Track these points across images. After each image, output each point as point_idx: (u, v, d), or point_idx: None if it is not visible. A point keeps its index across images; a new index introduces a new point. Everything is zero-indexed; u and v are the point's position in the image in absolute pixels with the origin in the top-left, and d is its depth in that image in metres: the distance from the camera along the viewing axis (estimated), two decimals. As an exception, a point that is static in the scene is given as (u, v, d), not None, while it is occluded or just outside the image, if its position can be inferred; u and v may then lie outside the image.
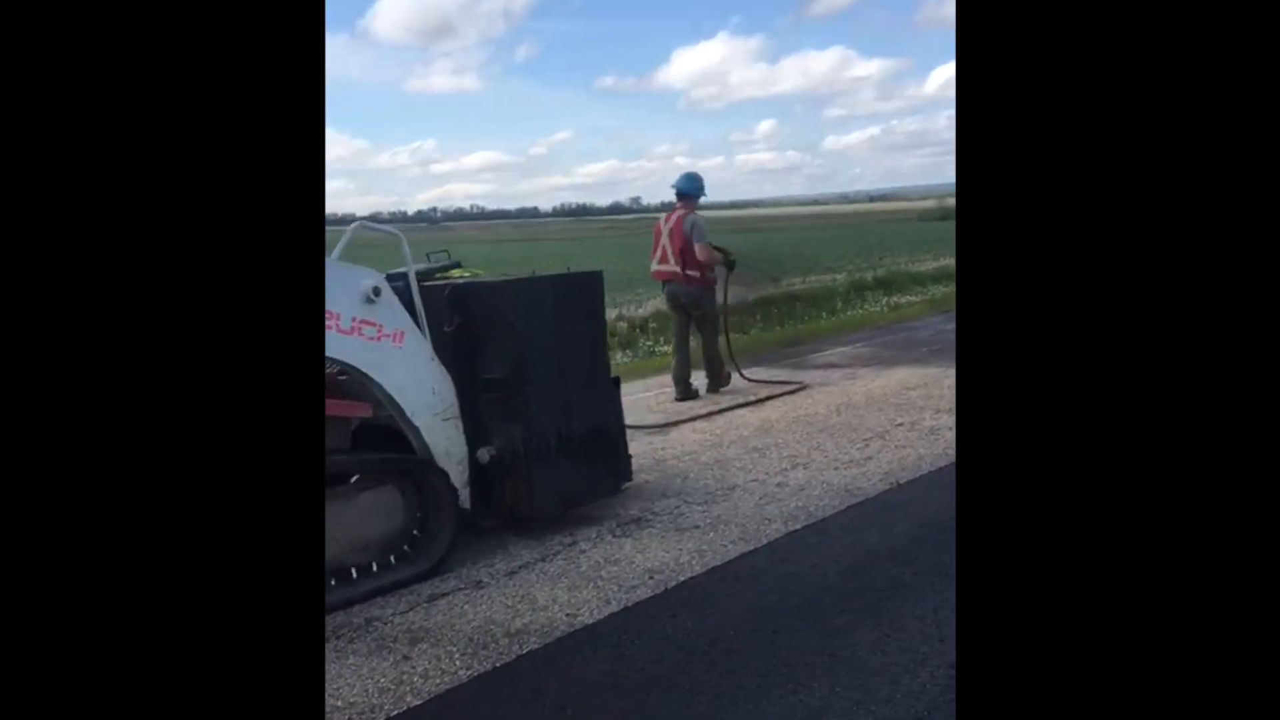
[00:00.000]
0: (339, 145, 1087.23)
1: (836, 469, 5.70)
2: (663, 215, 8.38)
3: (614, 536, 4.66)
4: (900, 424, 6.70)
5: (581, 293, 4.91)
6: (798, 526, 4.67)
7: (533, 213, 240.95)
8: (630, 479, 5.23)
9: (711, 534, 4.63)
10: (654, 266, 8.30)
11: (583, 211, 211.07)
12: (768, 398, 7.97)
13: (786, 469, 5.76)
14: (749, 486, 5.43)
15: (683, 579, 4.05)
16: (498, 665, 3.33)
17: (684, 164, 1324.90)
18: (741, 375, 8.59)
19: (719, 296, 8.40)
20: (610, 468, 5.06)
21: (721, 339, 8.36)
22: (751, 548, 4.40)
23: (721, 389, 8.36)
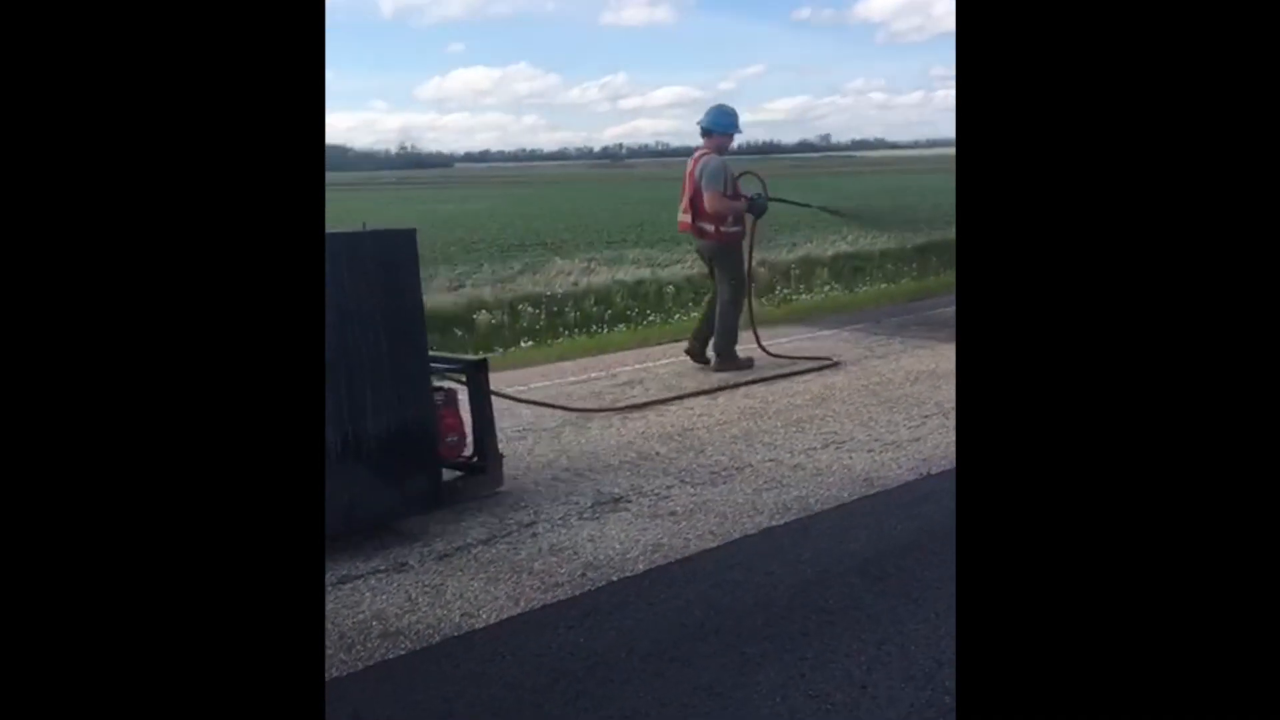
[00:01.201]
0: (532, 80, 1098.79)
1: (870, 451, 5.05)
2: (692, 155, 7.08)
3: (579, 519, 4.20)
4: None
5: (383, 256, 3.97)
6: (780, 522, 4.09)
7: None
8: (500, 484, 4.57)
9: (684, 523, 4.11)
10: (680, 216, 7.18)
11: (769, 149, 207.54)
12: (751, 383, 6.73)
13: (815, 448, 5.14)
14: (760, 467, 4.85)
15: (616, 579, 3.57)
16: (340, 675, 2.94)
17: (879, 100, 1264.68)
18: (763, 349, 7.45)
19: (745, 253, 7.22)
20: (425, 476, 4.18)
21: (742, 309, 7.17)
22: (716, 544, 3.87)
23: (724, 369, 7.00)
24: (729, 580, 3.51)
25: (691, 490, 4.55)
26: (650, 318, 14.84)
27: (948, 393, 6.19)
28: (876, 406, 6.04)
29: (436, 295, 17.21)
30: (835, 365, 7.18)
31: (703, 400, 6.35)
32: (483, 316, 14.88)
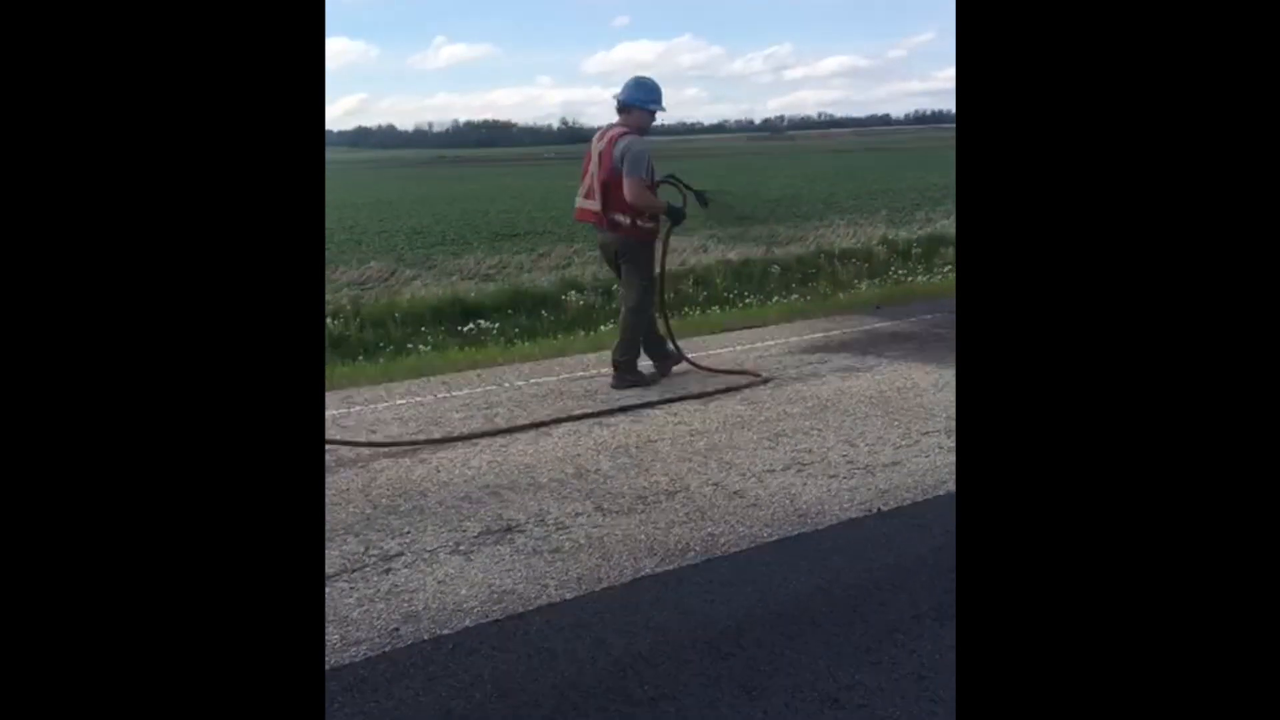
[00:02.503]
0: (696, 52, 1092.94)
1: (834, 478, 4.35)
2: (597, 132, 5.99)
3: (450, 553, 3.69)
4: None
5: None
6: (664, 568, 3.48)
7: (883, 120, 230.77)
8: None
9: (560, 563, 3.55)
10: (577, 202, 6.07)
11: (938, 119, 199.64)
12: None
13: (775, 470, 4.48)
14: (696, 493, 4.23)
15: (426, 638, 3.05)
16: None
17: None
18: (686, 359, 6.40)
19: (658, 253, 6.11)
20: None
21: (650, 317, 6.19)
22: (573, 595, 3.30)
23: (622, 384, 6.03)
24: (548, 648, 2.94)
25: (600, 520, 3.97)
26: (748, 300, 14.22)
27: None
28: (879, 418, 5.29)
29: (535, 275, 17.00)
30: (765, 382, 6.16)
31: (691, 405, 5.73)
32: (572, 297, 14.52)
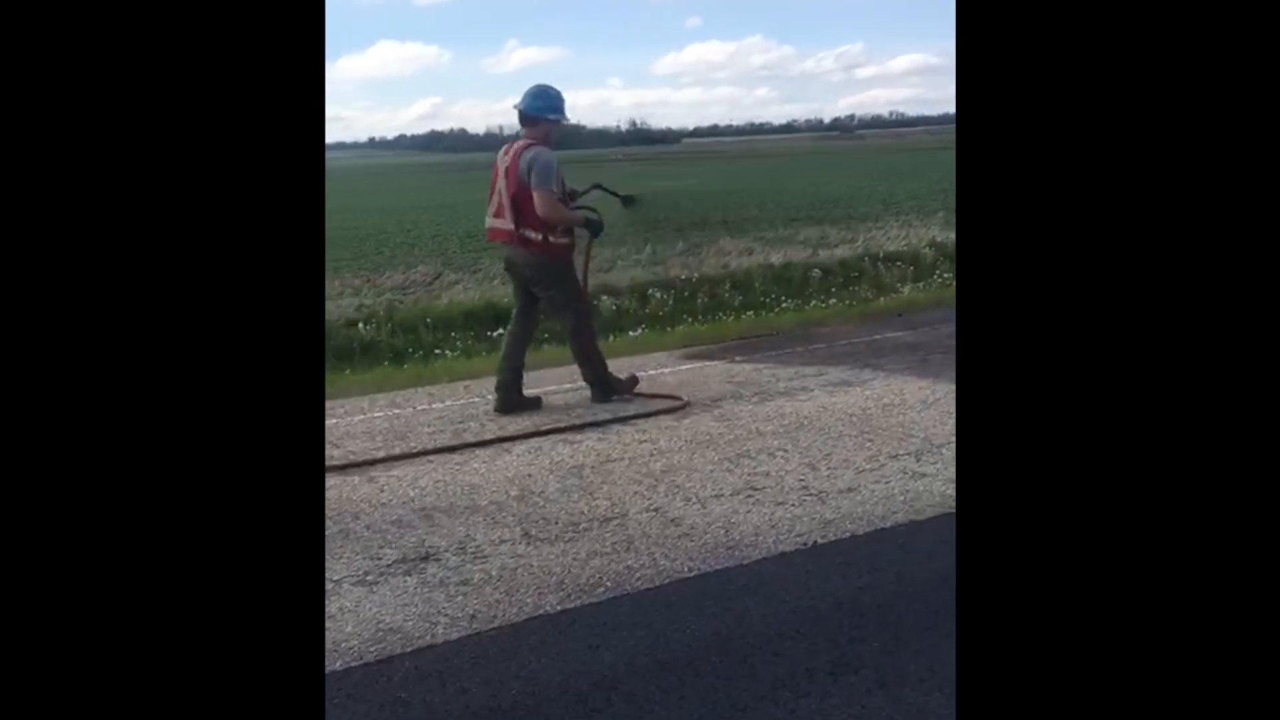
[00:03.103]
0: (766, 52, 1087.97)
1: (782, 505, 4.08)
2: (504, 147, 5.59)
3: (355, 584, 3.51)
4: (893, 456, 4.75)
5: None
6: (566, 605, 3.26)
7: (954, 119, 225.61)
8: None
9: (460, 599, 3.36)
10: (488, 222, 5.71)
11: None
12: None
13: (724, 494, 4.23)
14: (634, 520, 4.00)
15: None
16: None
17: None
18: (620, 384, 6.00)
19: (579, 268, 5.82)
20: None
21: (592, 329, 6.01)
22: (460, 635, 3.10)
23: (615, 396, 5.85)
24: (404, 698, 2.74)
25: (522, 549, 3.76)
26: (784, 304, 13.93)
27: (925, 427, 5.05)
28: (852, 438, 5.00)
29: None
30: (685, 406, 5.72)
31: (664, 421, 5.49)
32: (604, 302, 14.34)
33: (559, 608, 3.25)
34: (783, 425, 5.30)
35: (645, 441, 5.13)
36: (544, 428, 5.44)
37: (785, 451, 4.83)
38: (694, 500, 4.20)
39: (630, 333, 12.04)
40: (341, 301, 15.13)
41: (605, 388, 5.86)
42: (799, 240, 20.98)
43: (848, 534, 3.76)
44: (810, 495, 4.20)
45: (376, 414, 6.01)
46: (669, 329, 12.06)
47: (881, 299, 12.64)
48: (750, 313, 13.42)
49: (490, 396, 5.99)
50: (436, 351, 11.78)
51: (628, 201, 6.06)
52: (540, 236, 5.44)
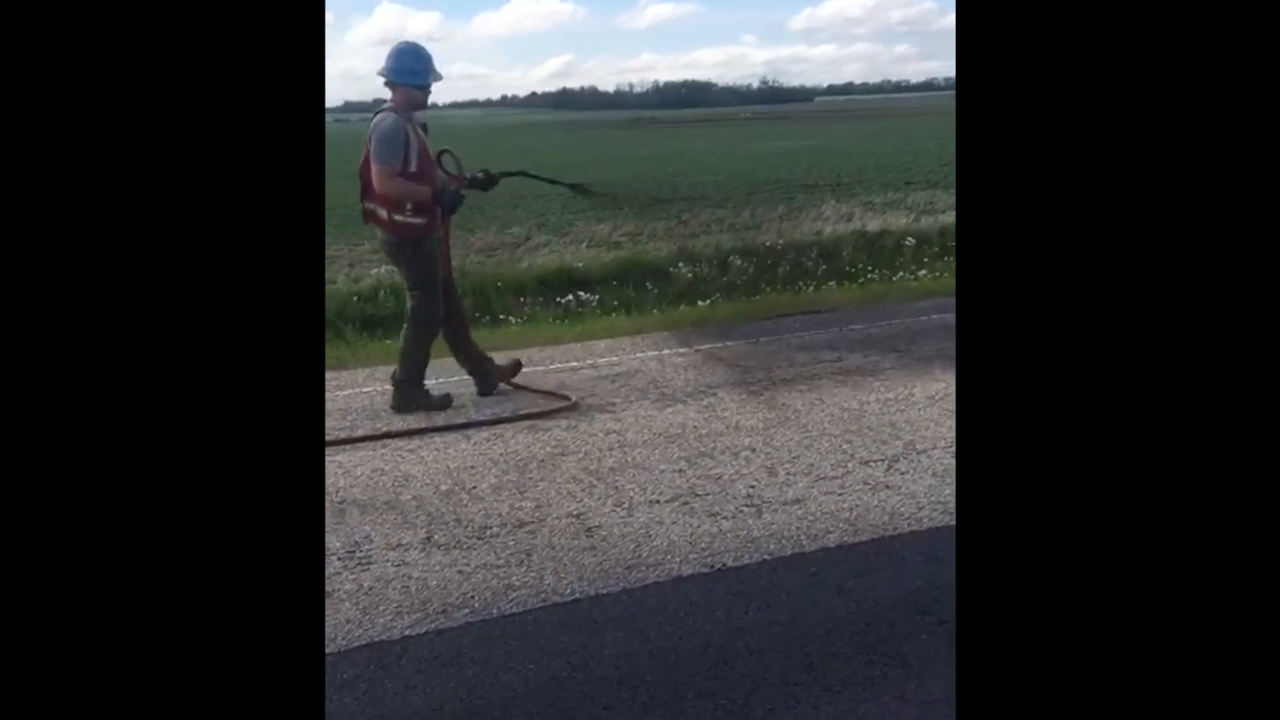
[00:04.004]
0: (908, 6, 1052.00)
1: (714, 516, 3.67)
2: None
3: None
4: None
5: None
6: (421, 630, 2.95)
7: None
8: None
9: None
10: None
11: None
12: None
13: (657, 501, 3.85)
14: (550, 526, 3.67)
15: None
16: None
17: None
18: (506, 382, 5.47)
19: (440, 253, 5.17)
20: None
21: (434, 328, 5.19)
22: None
23: (405, 407, 5.13)
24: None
25: (415, 556, 3.48)
26: (871, 275, 13.29)
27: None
28: (831, 439, 4.52)
29: (662, 243, 16.45)
30: (573, 407, 5.18)
31: (648, 410, 5.10)
32: (681, 269, 13.92)
33: (403, 633, 2.94)
34: (763, 421, 4.85)
35: (612, 433, 4.76)
36: (522, 411, 5.14)
37: (751, 452, 4.39)
38: (623, 506, 3.83)
39: (700, 302, 11.62)
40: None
41: (409, 395, 5.17)
42: (905, 205, 20.05)
43: (762, 557, 3.33)
44: (749, 507, 3.77)
45: (367, 389, 5.80)
46: (746, 298, 11.65)
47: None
48: (832, 283, 12.89)
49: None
50: (501, 318, 11.59)
51: (576, 189, 5.60)
52: (386, 214, 4.86)
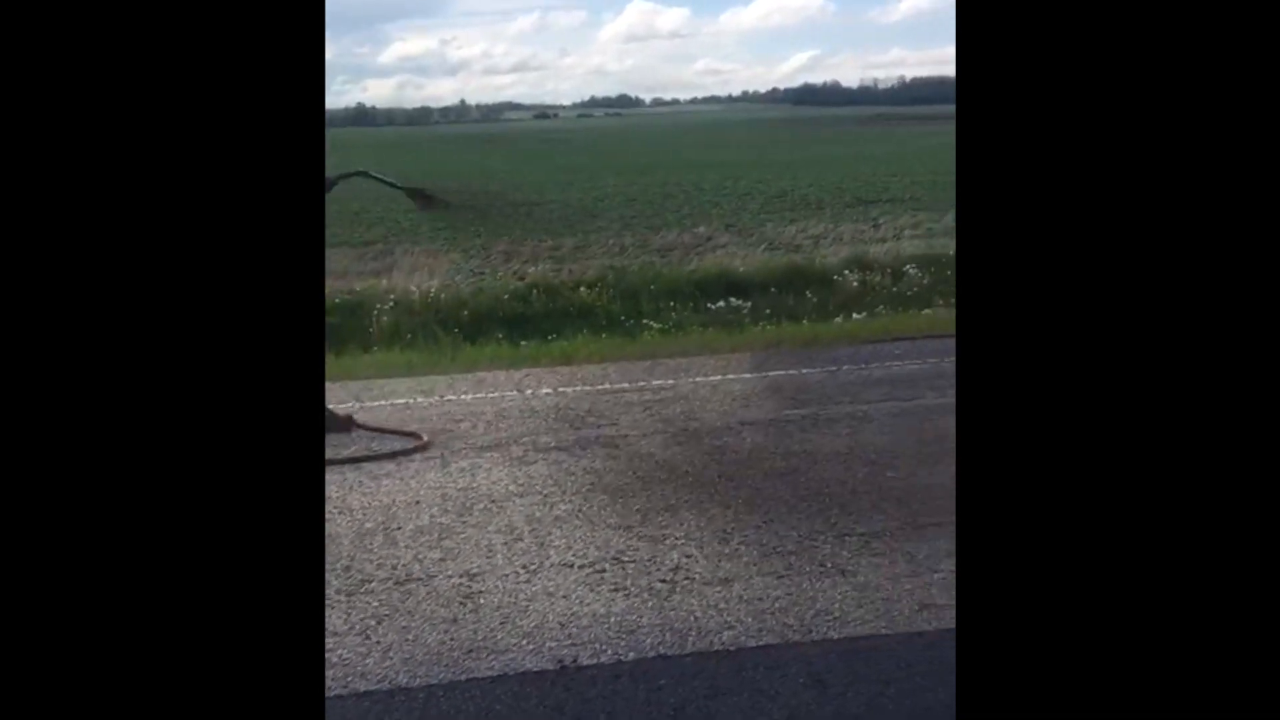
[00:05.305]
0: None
1: (616, 591, 3.14)
2: None
3: None
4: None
5: None
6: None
7: None
8: None
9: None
10: None
11: None
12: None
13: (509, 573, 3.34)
14: (369, 594, 3.24)
15: None
16: None
17: None
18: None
19: None
20: None
21: None
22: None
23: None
24: None
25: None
26: (938, 300, 11.98)
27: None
28: (768, 506, 3.83)
29: (835, 248, 15.58)
30: (424, 448, 4.61)
31: (595, 451, 4.57)
32: (846, 277, 13.05)
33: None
34: (715, 473, 4.20)
35: (551, 479, 4.26)
36: (545, 440, 4.73)
37: (689, 507, 3.77)
38: (495, 573, 3.33)
39: (854, 314, 10.86)
40: (591, 261, 15.03)
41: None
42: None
43: (623, 658, 2.75)
44: (655, 584, 3.18)
45: (379, 403, 5.56)
46: (917, 310, 10.83)
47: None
48: (881, 308, 11.74)
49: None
50: (645, 322, 11.26)
51: (411, 194, 5.07)
52: None
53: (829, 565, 3.26)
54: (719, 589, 3.12)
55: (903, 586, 3.08)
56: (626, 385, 5.77)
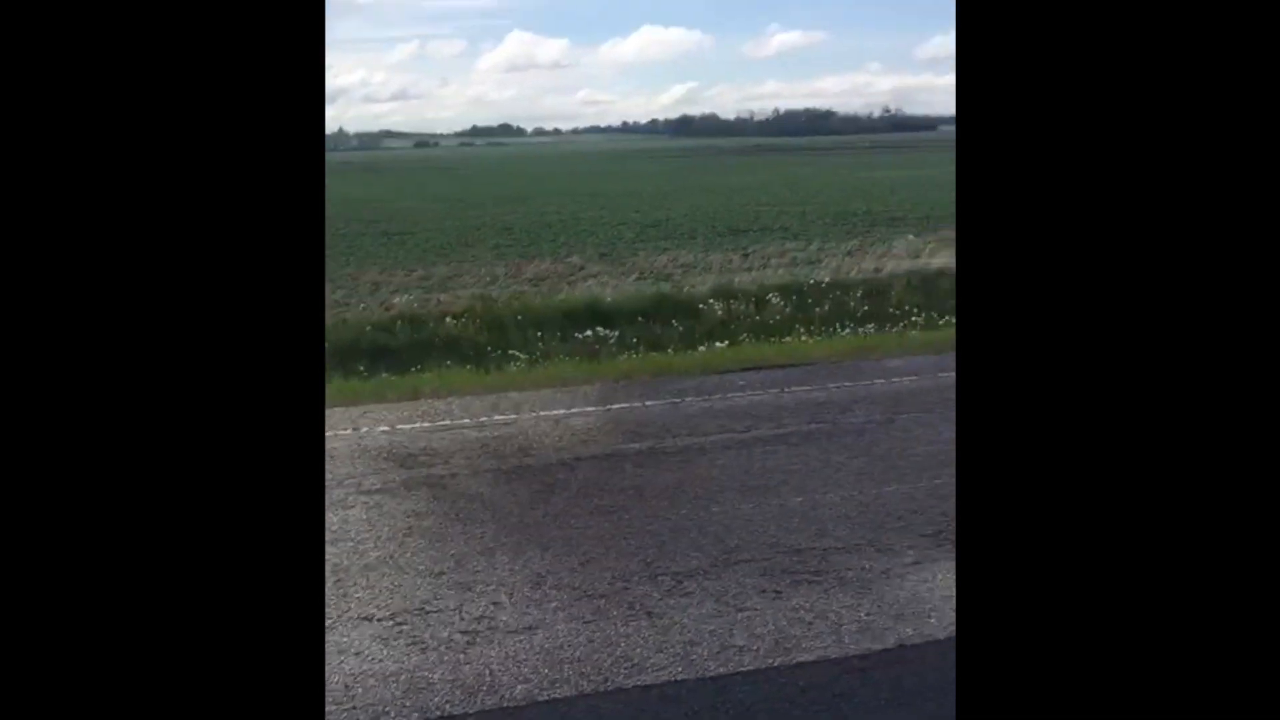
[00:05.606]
0: None
1: (413, 645, 2.99)
2: None
3: None
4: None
5: None
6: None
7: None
8: None
9: None
10: None
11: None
12: None
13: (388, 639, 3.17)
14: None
15: None
16: None
17: None
18: None
19: None
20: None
21: None
22: None
23: None
24: None
25: None
26: (915, 318, 12.37)
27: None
28: (625, 545, 3.76)
29: (705, 276, 15.74)
30: None
31: (480, 481, 4.44)
32: (711, 305, 13.18)
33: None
34: (615, 501, 4.12)
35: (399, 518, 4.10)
36: (371, 483, 4.53)
37: (559, 545, 3.67)
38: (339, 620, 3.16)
39: (716, 344, 10.92)
40: (461, 292, 14.81)
41: None
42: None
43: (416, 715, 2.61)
44: (467, 633, 3.06)
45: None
46: (775, 339, 10.94)
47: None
48: (871, 326, 12.09)
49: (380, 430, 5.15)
50: (511, 353, 11.10)
51: None
52: None
53: (637, 608, 3.19)
54: (521, 638, 3.01)
55: (706, 628, 3.03)
56: (468, 421, 5.62)
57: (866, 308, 13.15)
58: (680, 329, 12.43)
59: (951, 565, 3.45)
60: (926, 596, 3.21)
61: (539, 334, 12.28)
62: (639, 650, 2.92)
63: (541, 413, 5.81)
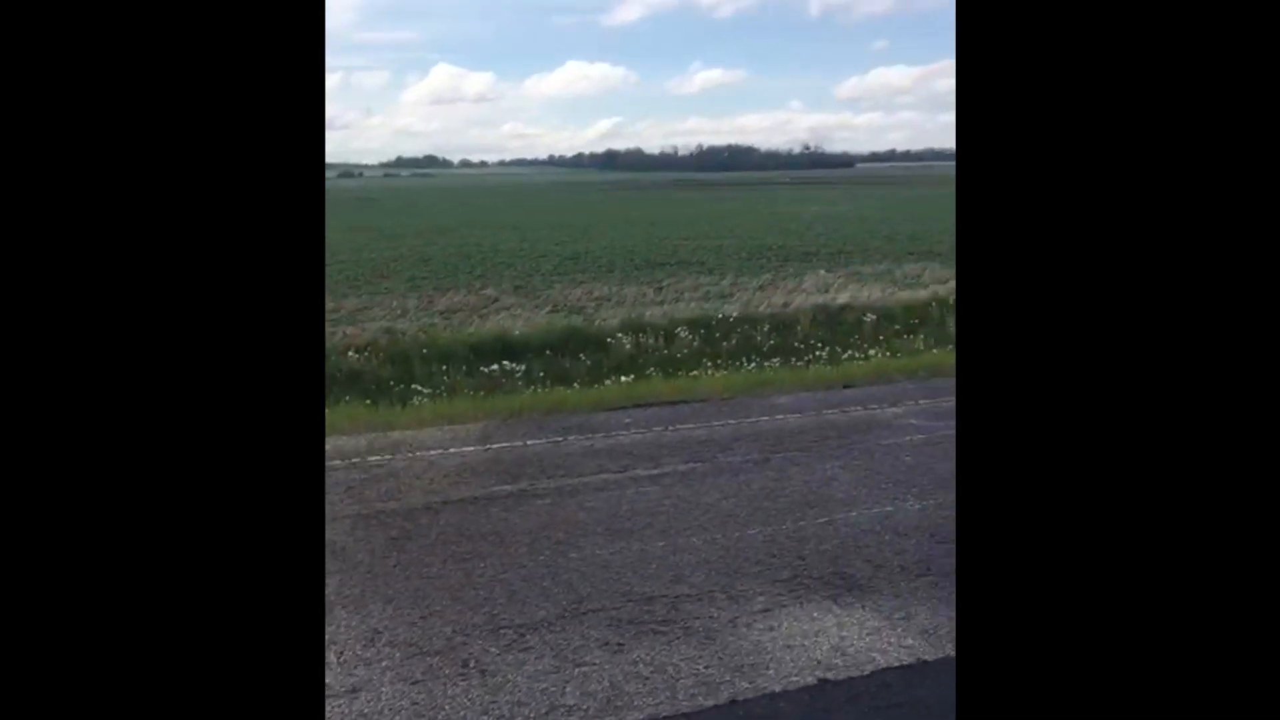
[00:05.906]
0: (953, 77, 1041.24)
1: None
2: None
3: None
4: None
5: None
6: None
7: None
8: None
9: None
10: None
11: None
12: None
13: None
14: None
15: None
16: None
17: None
18: None
19: None
20: None
21: None
22: None
23: None
24: None
25: None
26: (820, 352, 12.43)
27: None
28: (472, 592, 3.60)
29: (616, 310, 15.65)
30: None
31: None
32: (619, 340, 13.09)
33: None
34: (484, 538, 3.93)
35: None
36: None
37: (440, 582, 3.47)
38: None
39: (622, 378, 10.81)
40: (370, 324, 14.49)
41: None
42: (892, 277, 19.15)
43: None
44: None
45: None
46: (683, 373, 10.87)
47: (936, 350, 11.09)
48: (776, 360, 12.11)
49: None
50: (415, 388, 10.83)
51: None
52: None
53: (471, 665, 3.03)
54: (341, 702, 2.84)
55: (539, 686, 2.88)
56: (339, 462, 5.41)
57: (773, 342, 13.21)
58: (588, 363, 12.33)
59: (798, 612, 3.36)
60: (769, 647, 3.11)
61: (444, 368, 12.06)
62: (463, 713, 2.76)
63: (418, 453, 5.63)
